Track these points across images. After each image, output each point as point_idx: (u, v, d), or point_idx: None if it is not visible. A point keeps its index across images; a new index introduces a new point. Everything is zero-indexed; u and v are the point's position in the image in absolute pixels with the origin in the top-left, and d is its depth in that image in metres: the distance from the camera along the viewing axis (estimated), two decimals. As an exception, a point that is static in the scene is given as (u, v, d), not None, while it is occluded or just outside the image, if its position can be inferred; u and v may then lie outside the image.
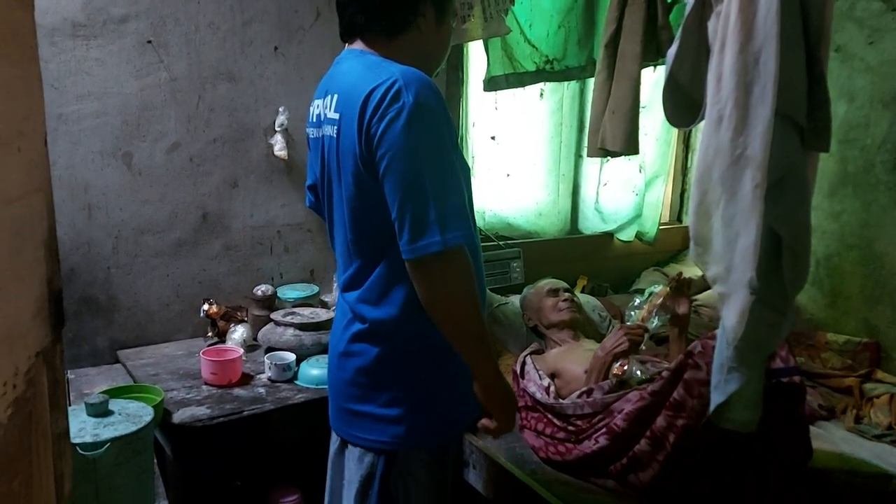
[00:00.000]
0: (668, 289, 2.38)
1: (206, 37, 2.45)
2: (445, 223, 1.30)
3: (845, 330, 3.00)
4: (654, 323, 2.32)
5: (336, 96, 1.44)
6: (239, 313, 2.62)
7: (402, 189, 1.31)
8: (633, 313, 2.37)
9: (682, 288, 2.39)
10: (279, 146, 2.61)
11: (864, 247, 2.93)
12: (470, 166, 1.57)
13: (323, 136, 1.51)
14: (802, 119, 1.21)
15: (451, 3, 1.52)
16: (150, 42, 2.36)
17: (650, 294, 2.38)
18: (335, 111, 1.44)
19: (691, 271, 3.44)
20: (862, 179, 2.90)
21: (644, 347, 2.32)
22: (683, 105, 1.38)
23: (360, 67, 1.42)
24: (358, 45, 1.50)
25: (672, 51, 1.34)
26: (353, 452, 1.57)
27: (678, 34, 1.34)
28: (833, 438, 2.40)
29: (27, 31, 0.72)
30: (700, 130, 3.44)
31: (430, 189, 1.30)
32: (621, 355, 2.21)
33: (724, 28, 1.21)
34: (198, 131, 2.50)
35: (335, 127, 1.43)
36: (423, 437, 1.53)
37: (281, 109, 2.59)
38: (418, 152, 1.30)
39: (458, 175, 1.36)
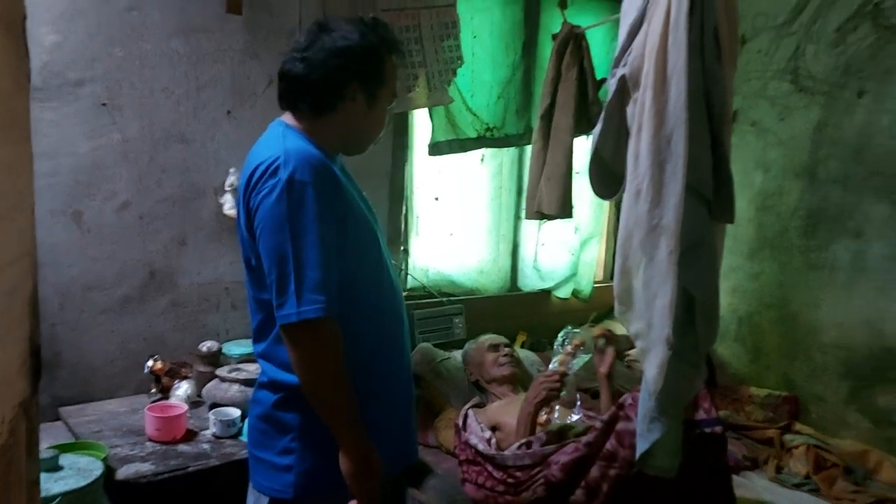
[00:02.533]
0: (586, 330, 2.47)
1: (159, 100, 2.53)
2: (302, 296, 1.38)
3: (767, 384, 3.18)
4: (577, 363, 2.40)
5: (244, 165, 1.57)
6: (183, 370, 2.63)
7: (268, 259, 1.43)
8: (555, 358, 2.44)
9: (605, 347, 2.47)
10: (229, 205, 2.68)
11: (781, 306, 3.14)
12: (377, 231, 1.62)
13: (237, 198, 1.62)
14: (709, 193, 1.37)
15: (384, 88, 1.57)
16: (104, 105, 2.43)
17: (569, 335, 2.46)
18: (241, 178, 1.57)
19: (623, 328, 3.60)
20: (777, 243, 3.13)
21: (565, 393, 2.39)
22: (607, 178, 1.53)
23: (266, 141, 1.55)
24: (286, 118, 1.61)
25: (596, 130, 1.49)
26: (254, 496, 1.65)
27: (601, 116, 1.50)
28: (756, 487, 2.54)
29: (23, 115, 0.81)
30: (607, 200, 3.65)
31: (291, 262, 1.39)
32: (542, 404, 2.30)
33: (640, 113, 1.37)
34: (148, 190, 2.56)
35: (238, 193, 1.56)
36: (318, 487, 1.56)
37: (231, 170, 2.67)
38: (283, 226, 1.40)
39: (325, 248, 1.41)
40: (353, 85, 1.53)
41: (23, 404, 0.77)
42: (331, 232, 1.44)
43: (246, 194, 1.49)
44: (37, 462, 0.82)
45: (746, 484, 2.50)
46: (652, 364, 1.38)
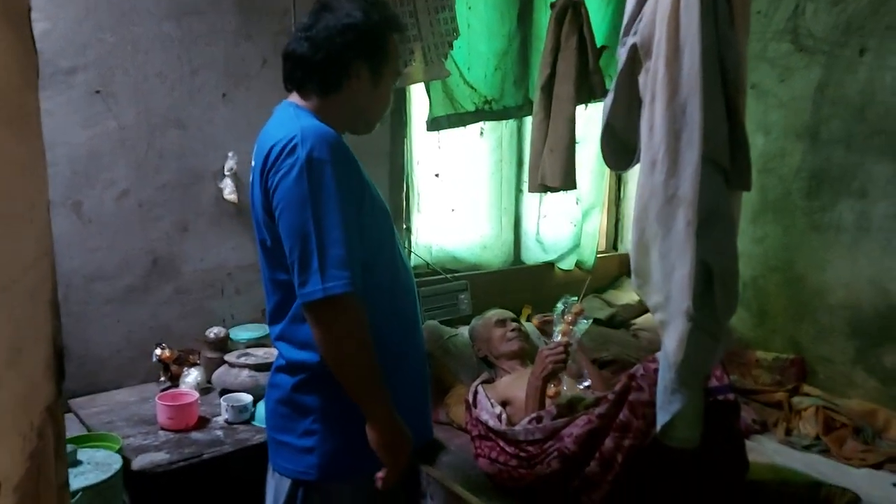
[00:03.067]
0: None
1: (154, 86, 2.49)
2: (326, 272, 1.39)
3: (773, 347, 3.19)
4: (581, 327, 2.39)
5: (256, 146, 1.57)
6: (192, 357, 2.62)
7: (290, 238, 1.43)
8: (557, 328, 2.43)
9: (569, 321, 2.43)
10: (229, 189, 2.65)
11: (787, 269, 3.13)
12: (388, 210, 1.64)
13: (252, 179, 1.61)
14: (726, 162, 1.35)
15: (388, 64, 1.58)
16: (98, 92, 2.39)
17: (567, 304, 2.44)
18: (254, 160, 1.57)
19: (628, 297, 3.60)
20: (781, 206, 3.12)
21: (573, 361, 2.39)
22: (620, 150, 1.51)
23: (278, 120, 1.54)
24: (293, 98, 1.61)
25: (607, 102, 1.47)
26: (275, 479, 1.67)
27: (612, 87, 1.47)
28: (766, 451, 2.55)
29: (33, 110, 0.78)
30: (621, 171, 3.62)
31: (314, 239, 1.40)
32: (549, 377, 2.30)
33: (653, 82, 1.34)
34: (147, 178, 2.53)
35: (253, 174, 1.56)
36: (340, 469, 1.58)
37: (230, 154, 2.64)
38: (305, 204, 1.40)
39: (347, 225, 1.42)
40: (357, 63, 1.54)
41: (49, 408, 0.76)
42: (351, 209, 1.45)
43: (263, 175, 1.49)
44: (65, 465, 0.82)
45: (757, 448, 2.51)
46: (672, 336, 1.37)
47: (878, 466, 2.46)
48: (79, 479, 1.44)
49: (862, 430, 2.67)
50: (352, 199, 1.45)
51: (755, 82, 3.10)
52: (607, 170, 3.70)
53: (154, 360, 2.52)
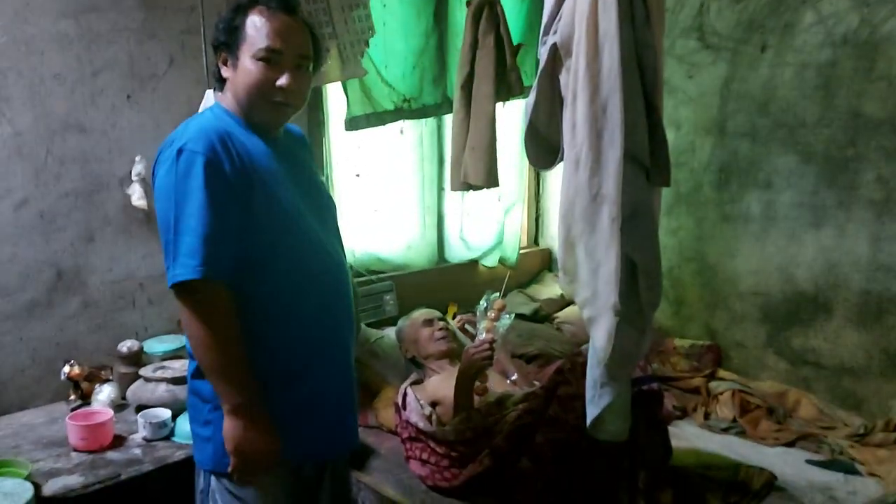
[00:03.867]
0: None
1: (52, 88, 2.35)
2: (177, 259, 1.42)
3: (690, 335, 3.30)
4: (504, 322, 2.40)
5: None
6: (104, 373, 2.49)
7: (160, 227, 1.49)
8: (480, 325, 2.44)
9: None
10: (137, 195, 2.53)
11: (700, 259, 3.25)
12: (301, 208, 1.59)
13: None
14: (646, 159, 1.37)
15: (245, 42, 1.53)
16: (-11, 96, 2.24)
17: (489, 301, 2.45)
18: None
19: (551, 291, 3.65)
20: (693, 198, 3.23)
21: (498, 356, 2.39)
22: (543, 149, 1.51)
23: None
24: (215, 96, 1.65)
25: (529, 101, 1.47)
26: (197, 470, 1.67)
27: (534, 86, 1.47)
28: (687, 435, 2.64)
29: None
30: (545, 170, 3.67)
31: (172, 228, 1.43)
32: (476, 375, 2.30)
33: (574, 81, 1.35)
34: (48, 186, 2.38)
35: None
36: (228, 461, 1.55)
37: (138, 158, 2.52)
38: (170, 194, 1.44)
39: (211, 215, 1.42)
40: (220, 47, 1.57)
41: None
42: (223, 202, 1.45)
43: (154, 174, 1.56)
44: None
45: (679, 433, 2.59)
46: (600, 331, 1.39)
47: (790, 444, 2.58)
48: (-16, 514, 1.33)
49: (774, 410, 2.80)
50: (230, 192, 1.45)
51: (665, 78, 3.19)
52: (527, 166, 3.74)
53: (62, 378, 2.38)
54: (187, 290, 1.43)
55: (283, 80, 1.51)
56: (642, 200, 1.37)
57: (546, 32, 1.43)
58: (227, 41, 1.55)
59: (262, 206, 1.50)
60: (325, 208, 1.70)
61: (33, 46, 2.29)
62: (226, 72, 1.57)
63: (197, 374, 1.58)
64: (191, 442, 2.11)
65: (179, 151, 1.44)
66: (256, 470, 1.51)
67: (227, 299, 1.46)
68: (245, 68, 1.52)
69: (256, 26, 1.51)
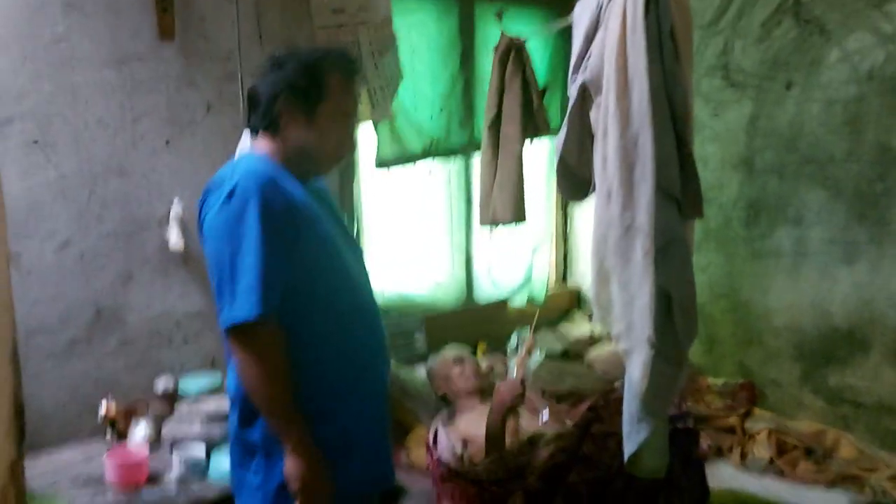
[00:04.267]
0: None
1: (95, 134, 2.43)
2: (235, 300, 1.42)
3: (723, 373, 3.26)
4: (535, 360, 2.40)
5: None
6: (139, 409, 2.52)
7: (211, 268, 1.48)
8: (511, 363, 2.44)
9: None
10: (175, 237, 2.59)
11: (731, 295, 3.22)
12: (343, 251, 1.62)
13: None
14: (678, 191, 1.39)
15: (324, 102, 1.54)
16: (36, 142, 2.32)
17: (520, 340, 2.46)
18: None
19: (580, 330, 3.64)
20: (722, 235, 3.22)
21: (528, 394, 2.39)
22: (574, 182, 1.54)
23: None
24: (254, 141, 1.64)
25: (560, 137, 1.50)
26: None
27: (564, 123, 1.51)
28: (723, 476, 2.59)
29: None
30: (577, 202, 3.66)
31: (228, 267, 1.43)
32: (508, 413, 2.29)
33: (604, 117, 1.38)
34: (89, 227, 2.45)
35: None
36: None
37: (175, 201, 2.59)
38: (222, 234, 1.45)
39: (265, 255, 1.42)
40: (286, 98, 1.53)
41: (11, 467, 0.72)
42: (276, 242, 1.45)
43: (200, 216, 1.56)
44: (29, 528, 0.77)
45: (714, 474, 2.53)
46: (635, 365, 1.39)
47: (831, 486, 2.52)
48: (28, 547, 1.35)
49: (813, 450, 2.74)
50: (278, 231, 1.45)
51: (691, 117, 3.22)
52: (554, 205, 3.76)
53: (100, 414, 2.42)
54: (246, 331, 1.42)
55: (356, 139, 1.59)
56: (675, 232, 1.38)
57: (575, 71, 1.46)
58: (308, 92, 1.52)
59: (307, 245, 1.51)
60: (354, 249, 1.72)
61: (79, 94, 2.39)
62: (289, 121, 1.54)
63: (243, 422, 1.57)
64: (225, 480, 2.14)
65: (231, 193, 1.44)
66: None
67: (283, 338, 1.46)
68: (327, 125, 1.54)
69: (343, 86, 1.55)
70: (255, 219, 1.42)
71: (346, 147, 1.58)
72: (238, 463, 1.64)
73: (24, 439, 0.75)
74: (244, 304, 1.40)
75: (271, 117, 1.55)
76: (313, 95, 1.53)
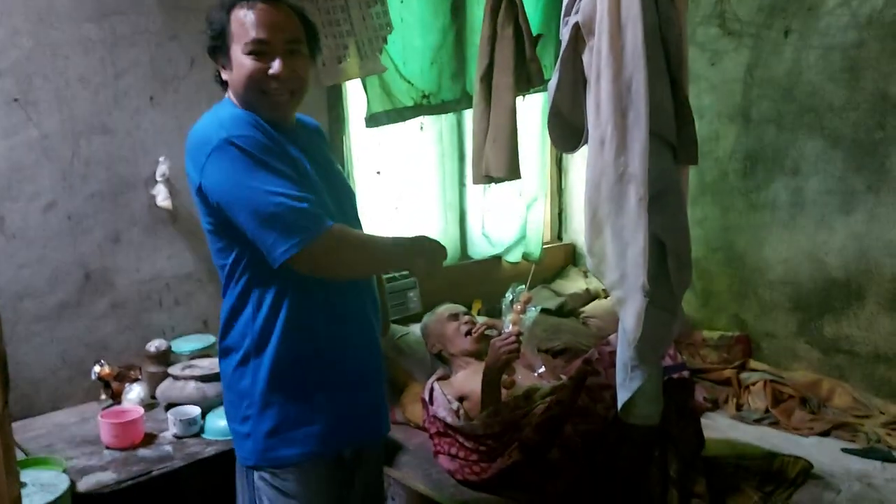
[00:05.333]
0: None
1: (77, 91, 2.37)
2: (281, 236, 1.41)
3: (718, 326, 3.26)
4: (531, 316, 2.38)
5: None
6: (132, 372, 2.51)
7: (242, 218, 1.45)
8: (506, 318, 2.42)
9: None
10: (162, 196, 2.54)
11: (727, 248, 3.21)
12: (327, 198, 1.60)
13: None
14: (673, 137, 1.35)
15: (234, 43, 1.53)
16: (16, 100, 2.26)
17: (516, 293, 2.43)
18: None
19: (576, 286, 3.63)
20: (718, 188, 3.19)
21: (524, 349, 2.38)
22: (567, 131, 1.50)
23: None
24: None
25: (552, 84, 1.45)
26: (239, 467, 1.67)
27: (556, 67, 1.46)
28: (720, 427, 2.60)
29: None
30: (571, 156, 3.65)
31: (264, 206, 1.41)
32: (503, 368, 2.29)
33: (597, 61, 1.33)
34: (74, 188, 2.41)
35: None
36: (277, 455, 1.56)
37: (161, 159, 2.53)
38: (237, 184, 1.44)
39: (283, 178, 1.44)
40: (210, 53, 1.59)
41: (-4, 418, 0.70)
42: (282, 164, 1.46)
43: (190, 179, 1.55)
44: (17, 479, 0.75)
45: (711, 425, 2.56)
46: (629, 313, 1.37)
47: (825, 434, 2.54)
48: (25, 502, 1.34)
49: (808, 400, 2.75)
50: (276, 159, 1.46)
51: (687, 67, 3.16)
52: (549, 160, 3.72)
53: (93, 378, 2.40)
54: (318, 247, 1.42)
55: (274, 69, 1.50)
56: (670, 179, 1.35)
57: (567, 13, 1.42)
58: (218, 44, 1.55)
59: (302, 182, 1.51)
60: (344, 197, 1.70)
61: (58, 50, 2.32)
62: (225, 74, 1.57)
63: (232, 370, 1.58)
64: (220, 438, 2.14)
65: (229, 141, 1.44)
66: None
67: (345, 227, 1.50)
68: (237, 64, 1.52)
69: (240, 21, 1.50)
70: (264, 153, 1.43)
71: (267, 80, 1.51)
72: (228, 411, 1.66)
73: (9, 390, 0.72)
74: (307, 226, 1.41)
75: (216, 73, 1.61)
76: (223, 39, 1.54)
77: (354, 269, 1.57)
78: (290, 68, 1.52)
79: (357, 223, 1.72)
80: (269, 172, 1.42)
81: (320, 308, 1.56)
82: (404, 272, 3.09)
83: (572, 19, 1.39)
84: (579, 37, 1.39)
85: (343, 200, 1.67)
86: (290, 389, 1.55)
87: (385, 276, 3.04)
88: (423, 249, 1.64)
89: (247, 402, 1.57)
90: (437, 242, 1.67)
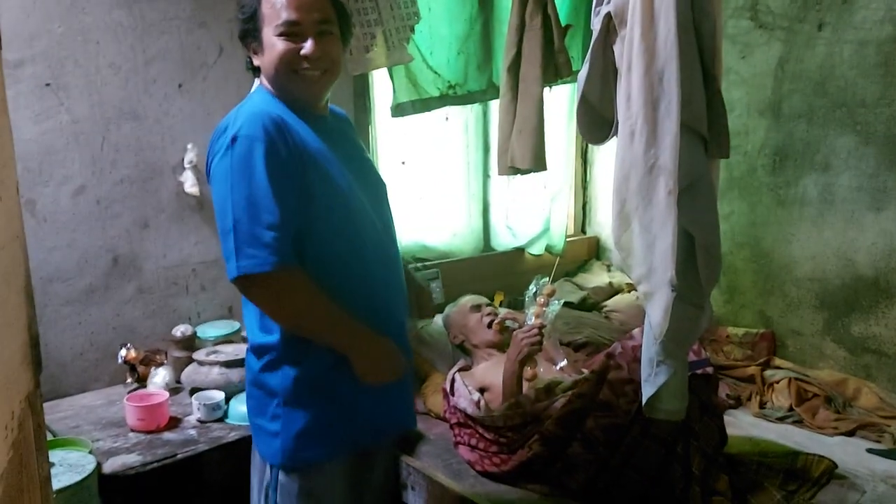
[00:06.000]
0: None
1: (107, 77, 2.40)
2: (241, 250, 1.40)
3: (743, 323, 3.22)
4: (553, 309, 2.37)
5: None
6: (158, 356, 2.55)
7: (217, 215, 1.47)
8: (529, 311, 2.42)
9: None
10: (190, 183, 2.57)
11: (754, 244, 3.17)
12: (350, 193, 1.57)
13: None
14: (704, 130, 1.34)
15: (267, 26, 1.53)
16: (48, 85, 2.29)
17: (539, 286, 2.42)
18: None
19: (599, 279, 3.61)
20: (746, 182, 3.15)
21: (546, 342, 2.37)
22: (596, 123, 1.48)
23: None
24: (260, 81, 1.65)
25: (582, 74, 1.44)
26: (258, 462, 1.66)
27: (587, 58, 1.45)
28: (742, 424, 2.58)
29: (-6, 84, 0.73)
30: (597, 148, 3.61)
31: (231, 216, 1.41)
32: (525, 360, 2.28)
33: (629, 51, 1.32)
34: (104, 173, 2.44)
35: None
36: (307, 455, 1.56)
37: (189, 146, 2.56)
38: (226, 181, 1.43)
39: (274, 202, 1.41)
40: (242, 38, 1.60)
41: (28, 398, 0.71)
42: (284, 185, 1.44)
43: (207, 162, 1.56)
44: (46, 458, 0.76)
45: (734, 422, 2.53)
46: (656, 308, 1.36)
47: (850, 434, 2.50)
48: (52, 482, 1.37)
49: (833, 399, 2.71)
50: (288, 175, 1.44)
51: (716, 60, 3.12)
52: (574, 153, 3.70)
53: (120, 361, 2.44)
54: (255, 282, 1.41)
55: (306, 49, 1.50)
56: (700, 172, 1.33)
57: (599, 3, 1.40)
58: (249, 28, 1.56)
59: (316, 186, 1.49)
60: (375, 187, 1.69)
61: (89, 36, 2.35)
62: (257, 59, 1.58)
63: (264, 368, 1.56)
64: (243, 423, 2.16)
65: (234, 138, 1.43)
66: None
67: (302, 277, 1.45)
68: (269, 46, 1.52)
69: (271, 3, 1.51)
70: (259, 164, 1.42)
71: (299, 61, 1.52)
72: (254, 407, 1.64)
73: (41, 370, 0.73)
74: (253, 256, 1.39)
75: (247, 59, 1.62)
76: (255, 23, 1.54)
77: (288, 323, 1.50)
78: (322, 48, 1.52)
79: (388, 214, 1.71)
80: (251, 185, 1.41)
81: (344, 296, 1.53)
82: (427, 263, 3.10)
83: (604, 9, 1.38)
84: (611, 27, 1.37)
85: (372, 191, 1.65)
86: (324, 392, 1.55)
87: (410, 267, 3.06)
88: (375, 353, 1.55)
89: (277, 400, 1.55)
90: (398, 357, 1.59)
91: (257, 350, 1.58)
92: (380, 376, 1.54)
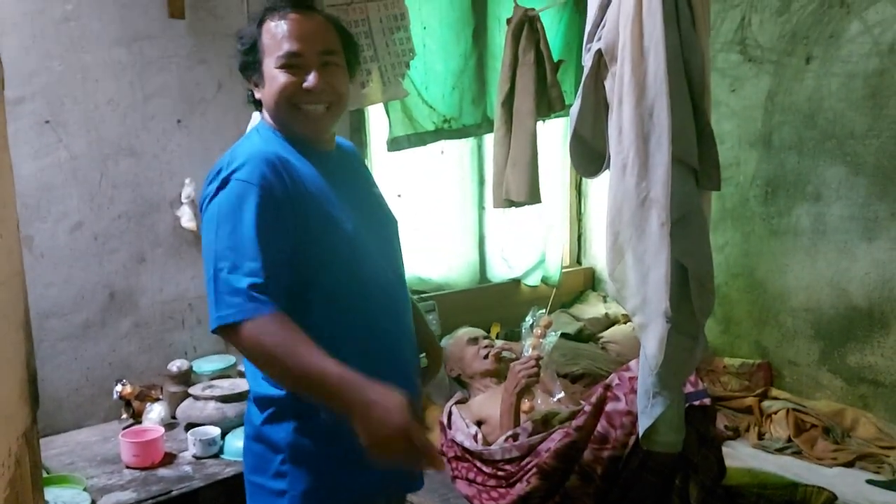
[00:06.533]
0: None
1: (105, 114, 2.42)
2: (220, 299, 1.29)
3: (739, 353, 3.22)
4: (550, 340, 2.37)
5: None
6: (154, 392, 2.53)
7: (204, 259, 1.36)
8: (526, 342, 2.41)
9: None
10: (186, 217, 2.58)
11: (748, 275, 3.18)
12: (350, 229, 1.45)
13: None
14: (695, 162, 1.36)
15: (267, 57, 1.45)
16: (47, 122, 2.31)
17: (536, 318, 2.42)
18: None
19: (595, 310, 3.61)
20: (739, 213, 3.18)
21: (543, 374, 2.35)
22: (588, 156, 1.51)
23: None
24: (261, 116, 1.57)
25: (574, 109, 1.47)
26: None
27: (578, 93, 1.48)
28: (741, 455, 2.57)
29: (-3, 122, 0.74)
30: (593, 180, 3.62)
31: (214, 263, 1.31)
32: (523, 393, 2.28)
33: (619, 86, 1.35)
34: (101, 209, 2.45)
35: None
36: None
37: (187, 181, 2.58)
38: (211, 226, 1.34)
39: (258, 249, 1.31)
40: (242, 70, 1.50)
41: (25, 434, 0.71)
42: (277, 232, 1.35)
43: (200, 202, 1.47)
44: (42, 495, 0.76)
45: (732, 453, 2.52)
46: (651, 339, 1.37)
47: (849, 465, 2.50)
48: (43, 522, 1.36)
49: (831, 429, 2.71)
50: (282, 220, 1.36)
51: (707, 93, 3.17)
52: (568, 185, 3.73)
53: (115, 397, 2.42)
54: (235, 331, 1.28)
55: (308, 82, 1.41)
56: (692, 204, 1.35)
57: (590, 39, 1.43)
58: (249, 60, 1.47)
59: (318, 230, 1.40)
60: (382, 224, 1.59)
61: (88, 73, 2.38)
62: (258, 93, 1.49)
63: (268, 421, 1.44)
64: (239, 458, 2.13)
65: (226, 181, 1.35)
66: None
67: (285, 325, 1.29)
68: (270, 79, 1.44)
69: (272, 33, 1.43)
70: (251, 210, 1.32)
71: (301, 94, 1.43)
72: (253, 465, 1.50)
73: (38, 407, 0.74)
74: (231, 305, 1.27)
75: (248, 92, 1.53)
76: (255, 55, 1.46)
77: (273, 374, 1.35)
78: (326, 81, 1.43)
79: (397, 251, 1.61)
80: (236, 232, 1.32)
81: (346, 345, 1.39)
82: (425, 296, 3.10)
83: (595, 46, 1.41)
84: (602, 63, 1.40)
85: (381, 231, 1.56)
86: (333, 447, 1.42)
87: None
88: (364, 408, 1.24)
89: (282, 456, 1.43)
90: (394, 412, 1.24)
91: (260, 402, 1.46)
92: (384, 437, 1.24)
